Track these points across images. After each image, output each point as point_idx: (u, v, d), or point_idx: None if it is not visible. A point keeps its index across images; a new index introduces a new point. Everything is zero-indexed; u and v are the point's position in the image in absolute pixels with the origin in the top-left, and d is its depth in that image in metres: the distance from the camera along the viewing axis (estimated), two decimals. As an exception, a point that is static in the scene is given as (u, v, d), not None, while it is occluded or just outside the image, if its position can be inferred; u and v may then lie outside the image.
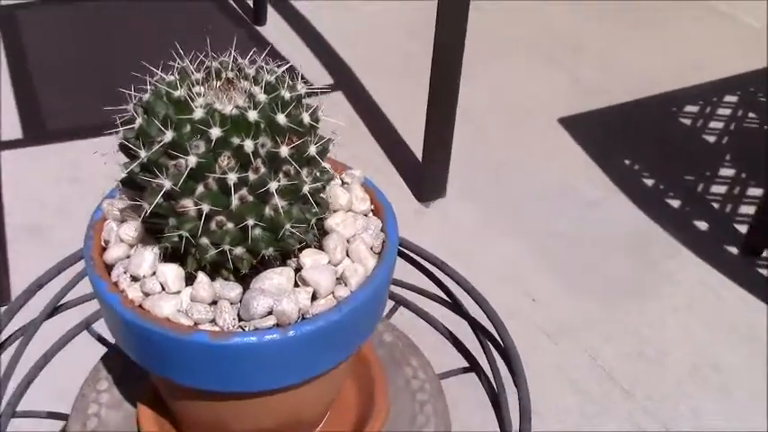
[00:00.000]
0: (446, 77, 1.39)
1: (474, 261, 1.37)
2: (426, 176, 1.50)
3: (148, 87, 0.46)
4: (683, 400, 1.19)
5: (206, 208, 0.44)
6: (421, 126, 1.47)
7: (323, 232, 0.50)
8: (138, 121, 0.45)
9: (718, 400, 1.19)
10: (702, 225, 1.52)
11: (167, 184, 0.43)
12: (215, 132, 0.43)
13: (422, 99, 1.44)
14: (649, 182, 1.62)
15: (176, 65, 0.47)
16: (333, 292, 0.48)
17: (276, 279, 0.47)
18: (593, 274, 1.40)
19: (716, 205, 1.57)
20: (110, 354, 0.66)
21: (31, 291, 0.66)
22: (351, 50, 1.93)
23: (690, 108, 1.82)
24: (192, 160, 0.43)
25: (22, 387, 0.63)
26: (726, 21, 2.15)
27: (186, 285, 0.47)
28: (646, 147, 1.71)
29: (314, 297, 0.47)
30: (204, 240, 0.45)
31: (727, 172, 1.65)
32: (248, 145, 0.43)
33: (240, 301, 0.47)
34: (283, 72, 0.47)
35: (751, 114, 1.81)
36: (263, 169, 0.44)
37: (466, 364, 0.71)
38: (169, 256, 0.47)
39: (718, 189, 1.60)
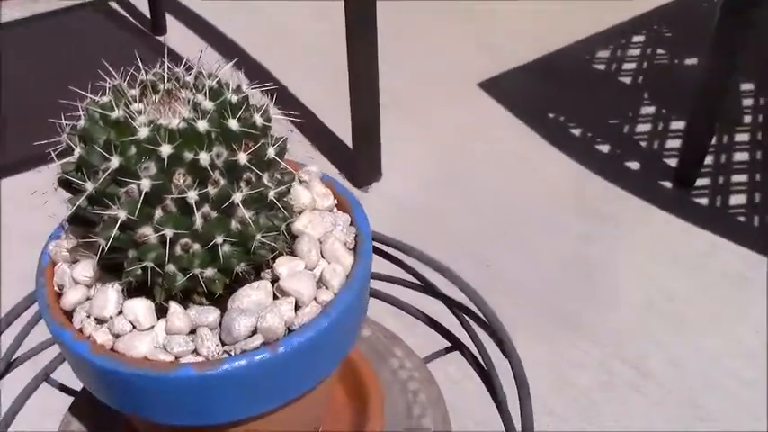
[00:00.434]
0: (364, 59, 1.36)
1: (423, 238, 1.35)
2: (360, 162, 1.48)
3: (81, 113, 0.42)
4: (645, 336, 1.21)
5: (169, 233, 0.40)
6: (346, 112, 1.44)
7: (292, 237, 0.48)
8: (77, 151, 0.41)
9: (678, 329, 1.22)
10: (634, 165, 1.55)
11: (122, 215, 0.40)
12: (165, 150, 0.39)
13: (342, 85, 1.41)
14: (576, 131, 1.64)
15: (107, 84, 0.43)
16: (315, 298, 0.45)
17: (254, 295, 0.44)
18: (539, 229, 1.41)
19: (643, 144, 1.60)
20: (77, 402, 0.62)
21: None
22: (260, 47, 1.88)
23: (602, 53, 1.85)
24: (146, 184, 0.39)
25: (-13, 456, 0.59)
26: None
27: (159, 318, 0.44)
28: (567, 98, 1.73)
29: (297, 306, 0.44)
30: (171, 267, 0.42)
31: (648, 110, 1.68)
32: (203, 158, 0.40)
33: (220, 325, 0.43)
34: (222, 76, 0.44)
35: (660, 51, 1.85)
36: (222, 181, 0.41)
37: (447, 344, 0.69)
38: (133, 290, 0.44)
39: (643, 128, 1.63)
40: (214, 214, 0.41)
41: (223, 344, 0.43)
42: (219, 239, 0.41)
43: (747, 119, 1.64)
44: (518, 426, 0.59)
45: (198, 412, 0.43)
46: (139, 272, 0.42)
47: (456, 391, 1.05)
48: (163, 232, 0.40)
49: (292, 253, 0.47)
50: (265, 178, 0.43)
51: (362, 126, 1.44)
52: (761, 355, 1.17)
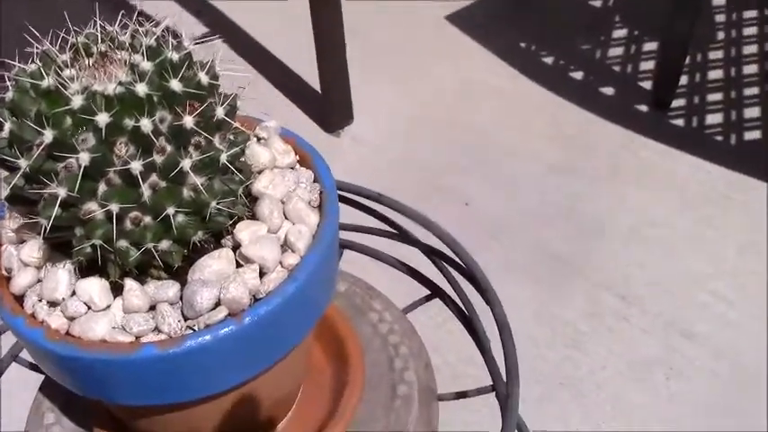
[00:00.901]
0: (326, 4, 1.31)
1: (399, 178, 1.33)
2: (330, 105, 1.44)
3: (8, 84, 0.39)
4: (630, 263, 1.20)
5: (114, 208, 0.37)
6: (312, 55, 1.40)
7: (252, 199, 0.45)
8: (7, 126, 0.38)
9: (662, 254, 1.21)
10: (608, 90, 1.52)
11: (62, 192, 0.37)
12: (102, 119, 0.36)
13: (305, 27, 1.36)
14: (548, 60, 1.61)
15: (34, 50, 0.39)
16: (281, 263, 0.43)
17: (215, 265, 0.41)
18: (518, 164, 1.38)
19: (617, 68, 1.57)
20: (48, 380, 0.60)
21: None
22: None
23: (571, -23, 1.80)
24: (84, 157, 0.36)
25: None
26: None
27: (115, 297, 0.41)
28: (537, 26, 1.69)
29: (262, 273, 0.42)
30: (122, 243, 0.39)
31: (620, 33, 1.64)
32: (145, 124, 0.37)
33: (181, 299, 0.41)
34: (162, 31, 0.40)
35: (629, -30, 1.80)
36: (169, 148, 0.38)
37: (427, 293, 0.67)
38: (85, 268, 0.41)
39: (616, 52, 1.60)
40: (163, 184, 0.39)
41: (186, 319, 0.41)
42: (171, 210, 0.39)
43: (720, 35, 1.61)
44: (503, 370, 0.58)
45: (165, 391, 0.41)
46: (89, 250, 0.39)
47: (440, 333, 1.05)
48: (109, 207, 0.38)
49: (253, 217, 0.44)
50: (216, 141, 0.40)
51: (330, 69, 1.39)
52: (743, 274, 1.17)
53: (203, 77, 0.39)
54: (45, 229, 0.38)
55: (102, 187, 0.38)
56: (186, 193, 0.39)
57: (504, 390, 0.57)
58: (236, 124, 0.41)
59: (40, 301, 0.41)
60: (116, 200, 0.37)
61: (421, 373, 0.59)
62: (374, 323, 0.62)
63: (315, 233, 0.44)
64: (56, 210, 0.37)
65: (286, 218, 0.45)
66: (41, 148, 0.37)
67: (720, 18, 1.65)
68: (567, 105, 1.49)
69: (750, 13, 1.64)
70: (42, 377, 0.62)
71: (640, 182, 1.33)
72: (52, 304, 0.41)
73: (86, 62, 0.39)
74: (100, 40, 0.40)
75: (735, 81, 1.50)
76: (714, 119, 1.43)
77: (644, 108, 1.47)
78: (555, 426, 1.02)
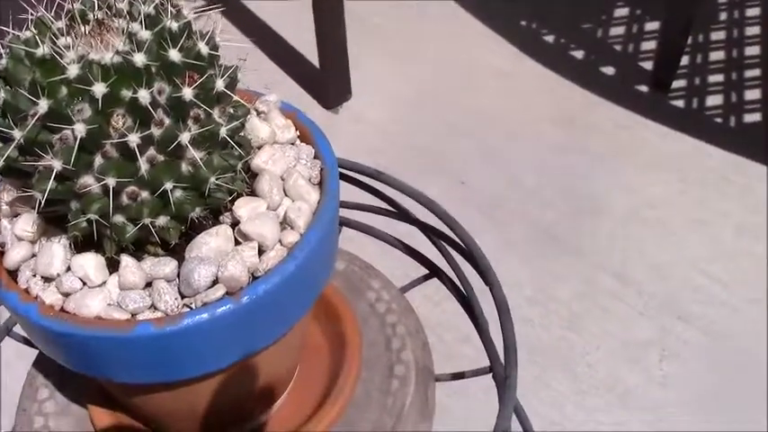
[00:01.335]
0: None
1: (397, 156, 1.32)
2: (328, 81, 1.42)
3: (1, 51, 0.38)
4: (627, 244, 1.20)
5: (111, 181, 0.36)
6: (311, 31, 1.38)
7: (251, 175, 0.44)
8: (0, 94, 0.36)
9: (661, 236, 1.21)
10: (609, 70, 1.51)
11: (57, 164, 0.36)
12: (99, 89, 0.35)
13: (308, 3, 1.34)
14: (550, 38, 1.59)
15: (28, 17, 0.38)
16: (280, 240, 0.42)
17: (213, 242, 0.40)
18: (517, 144, 1.37)
19: (618, 48, 1.55)
20: (42, 356, 0.59)
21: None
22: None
23: (572, -46, 1.77)
24: (80, 129, 0.35)
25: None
26: None
27: (110, 273, 0.40)
28: (538, 5, 1.67)
29: (261, 251, 0.41)
30: (119, 218, 0.38)
31: (622, 12, 1.63)
32: (143, 95, 0.36)
33: (178, 277, 0.40)
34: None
35: (632, -52, 1.78)
36: (167, 121, 0.37)
37: (425, 272, 0.67)
38: (81, 244, 0.40)
39: (618, 31, 1.59)
40: (161, 158, 0.37)
41: (183, 297, 0.40)
42: (169, 185, 0.38)
43: (723, 16, 1.59)
44: (500, 350, 0.58)
45: (161, 370, 0.40)
46: (85, 225, 0.38)
47: (438, 311, 1.05)
48: (105, 181, 0.37)
49: (252, 193, 0.43)
50: (215, 114, 0.39)
51: (329, 45, 1.38)
52: (741, 256, 1.17)
53: (203, 48, 0.38)
54: (39, 202, 0.37)
55: (98, 160, 0.37)
56: (185, 167, 0.38)
57: (502, 371, 0.57)
58: (237, 97, 0.40)
59: (34, 276, 0.40)
60: (113, 173, 0.36)
61: (418, 353, 0.58)
62: (372, 302, 0.61)
63: (315, 210, 0.43)
64: (51, 183, 0.36)
65: (286, 195, 0.44)
66: (36, 118, 0.36)
67: (723, -2, 1.63)
68: (568, 84, 1.48)
69: (753, -6, 1.63)
70: (36, 352, 0.61)
71: (639, 163, 1.33)
72: (46, 280, 0.40)
73: (82, 30, 0.38)
74: (97, 7, 0.39)
75: (736, 62, 1.49)
76: (714, 100, 1.42)
77: (644, 88, 1.46)
78: (549, 408, 1.02)
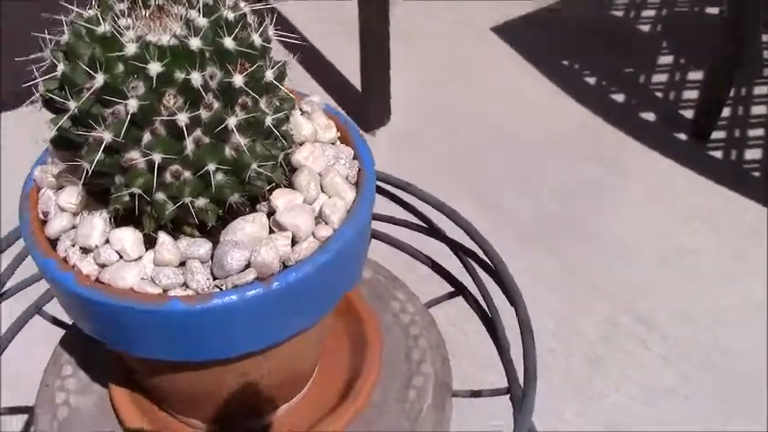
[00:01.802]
0: (375, 3, 1.31)
1: (432, 181, 1.32)
2: (369, 105, 1.44)
3: (65, 28, 0.39)
4: (654, 289, 1.19)
5: (157, 158, 0.38)
6: (354, 54, 1.40)
7: (291, 169, 0.45)
8: (60, 67, 0.38)
9: (690, 284, 1.20)
10: (649, 116, 1.51)
11: (107, 136, 0.37)
12: (154, 68, 0.36)
13: (353, 25, 1.37)
14: (591, 79, 1.60)
15: (93, -3, 0.40)
16: (313, 233, 0.42)
17: (248, 228, 0.41)
18: (549, 177, 1.38)
19: (659, 94, 1.56)
20: (69, 335, 0.60)
21: (-33, 281, 0.59)
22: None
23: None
24: (133, 104, 0.37)
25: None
26: None
27: (147, 249, 0.41)
28: (582, 45, 1.68)
29: (294, 242, 0.42)
30: (160, 195, 0.39)
31: (666, 59, 1.63)
32: (195, 78, 0.37)
33: (212, 258, 0.41)
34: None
35: (681, -2, 1.79)
36: (216, 104, 0.38)
37: (451, 290, 0.67)
38: (121, 219, 0.41)
39: (660, 78, 1.59)
40: (206, 139, 0.39)
41: (214, 278, 0.41)
42: (212, 167, 0.39)
43: (767, 71, 1.59)
44: (520, 374, 0.58)
45: (186, 348, 0.41)
46: (127, 199, 0.39)
47: (455, 332, 1.04)
48: (151, 157, 0.38)
49: (290, 186, 0.44)
50: (263, 103, 0.40)
51: (372, 68, 1.40)
52: (769, 311, 1.15)
53: (256, 39, 0.39)
54: (86, 172, 0.38)
55: (146, 136, 0.38)
56: (228, 151, 0.39)
57: (520, 392, 0.57)
58: (284, 90, 0.41)
59: (73, 246, 0.42)
60: (159, 150, 0.38)
61: (438, 366, 0.58)
62: (396, 312, 0.61)
63: (350, 209, 0.44)
64: (99, 154, 0.38)
65: (323, 191, 0.45)
66: (91, 91, 0.37)
67: (769, 54, 1.63)
68: (605, 126, 1.48)
69: (800, 53, 1.62)
70: (63, 332, 0.62)
71: (673, 209, 1.32)
72: (84, 251, 0.42)
73: (143, 13, 0.39)
74: (158, -7, 0.40)
75: (777, 118, 1.48)
76: (753, 154, 1.41)
77: (683, 137, 1.46)
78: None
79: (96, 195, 0.43)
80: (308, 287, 0.41)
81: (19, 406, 0.61)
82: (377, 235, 0.69)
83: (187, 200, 0.39)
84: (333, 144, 0.48)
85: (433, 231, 0.67)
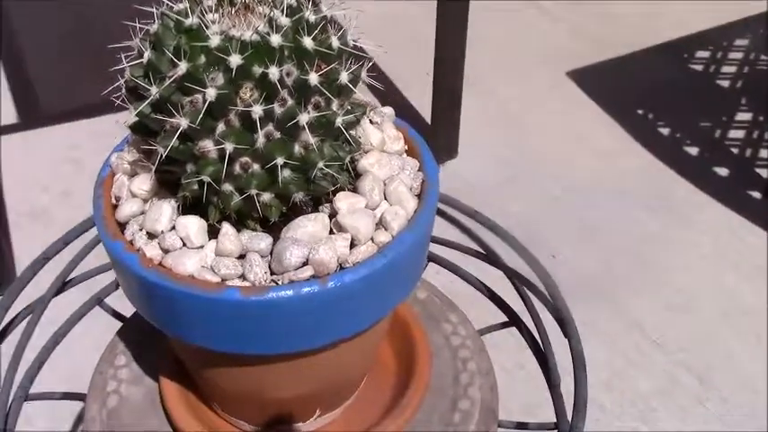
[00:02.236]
0: (452, 35, 1.33)
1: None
2: (437, 138, 1.45)
3: (155, 20, 0.41)
4: (716, 347, 1.15)
5: (229, 147, 0.39)
6: (427, 88, 1.42)
7: (356, 174, 0.46)
8: (147, 54, 0.40)
9: (753, 345, 1.15)
10: (723, 171, 1.48)
11: (184, 123, 0.38)
12: (234, 60, 0.38)
13: (427, 59, 1.38)
14: (665, 131, 1.57)
15: (184, -9, 0.41)
16: (372, 238, 0.43)
17: (310, 226, 0.42)
18: (615, 227, 1.35)
19: (735, 150, 1.52)
20: (126, 327, 0.62)
21: (37, 265, 0.61)
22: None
23: (701, 54, 1.77)
24: (211, 93, 0.38)
25: (33, 369, 0.59)
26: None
27: (210, 239, 0.42)
28: (658, 96, 1.66)
29: (352, 245, 0.42)
30: (228, 186, 0.40)
31: (744, 116, 1.60)
32: (273, 72, 0.38)
33: (271, 253, 0.42)
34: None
35: (763, 57, 1.76)
36: (290, 101, 0.39)
37: (505, 319, 0.66)
38: (188, 207, 0.42)
39: (737, 134, 1.55)
40: (277, 134, 0.40)
41: (272, 273, 0.41)
42: (280, 161, 0.40)
43: None
44: (569, 412, 0.56)
45: (239, 340, 0.42)
46: (195, 187, 0.40)
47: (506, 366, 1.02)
48: (223, 146, 0.39)
49: (354, 190, 0.45)
50: (335, 104, 0.41)
51: (443, 103, 1.41)
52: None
53: (335, 41, 0.40)
54: (160, 157, 0.40)
55: (220, 126, 0.39)
56: (297, 148, 0.40)
57: (567, 428, 0.55)
58: (358, 94, 0.42)
59: (141, 230, 0.43)
60: (232, 140, 0.39)
61: (486, 393, 0.58)
62: (447, 335, 0.61)
63: (410, 218, 0.44)
64: (174, 141, 0.39)
65: (385, 198, 0.45)
66: (173, 79, 0.38)
67: None
68: (676, 177, 1.45)
69: None
70: (119, 325, 0.64)
71: (740, 267, 1.28)
72: (151, 236, 0.43)
73: (229, 10, 0.41)
74: (245, -7, 0.42)
75: None
76: (829, 218, 1.37)
77: (756, 194, 1.42)
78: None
79: (166, 185, 0.44)
80: (363, 290, 0.41)
81: (73, 392, 0.63)
82: (435, 258, 0.69)
83: (253, 192, 0.40)
84: (400, 155, 0.49)
85: (491, 259, 0.67)
